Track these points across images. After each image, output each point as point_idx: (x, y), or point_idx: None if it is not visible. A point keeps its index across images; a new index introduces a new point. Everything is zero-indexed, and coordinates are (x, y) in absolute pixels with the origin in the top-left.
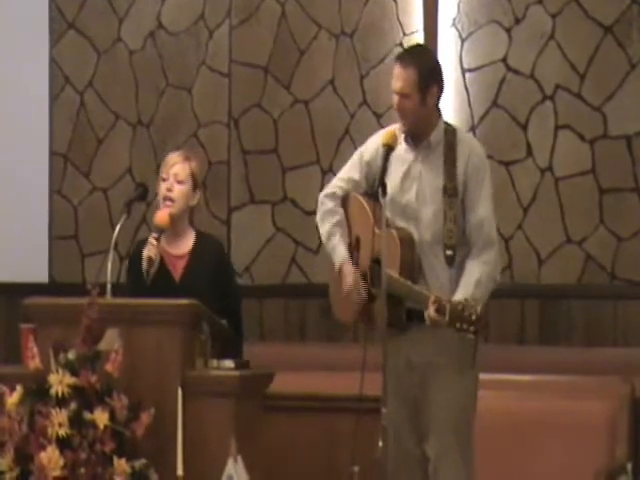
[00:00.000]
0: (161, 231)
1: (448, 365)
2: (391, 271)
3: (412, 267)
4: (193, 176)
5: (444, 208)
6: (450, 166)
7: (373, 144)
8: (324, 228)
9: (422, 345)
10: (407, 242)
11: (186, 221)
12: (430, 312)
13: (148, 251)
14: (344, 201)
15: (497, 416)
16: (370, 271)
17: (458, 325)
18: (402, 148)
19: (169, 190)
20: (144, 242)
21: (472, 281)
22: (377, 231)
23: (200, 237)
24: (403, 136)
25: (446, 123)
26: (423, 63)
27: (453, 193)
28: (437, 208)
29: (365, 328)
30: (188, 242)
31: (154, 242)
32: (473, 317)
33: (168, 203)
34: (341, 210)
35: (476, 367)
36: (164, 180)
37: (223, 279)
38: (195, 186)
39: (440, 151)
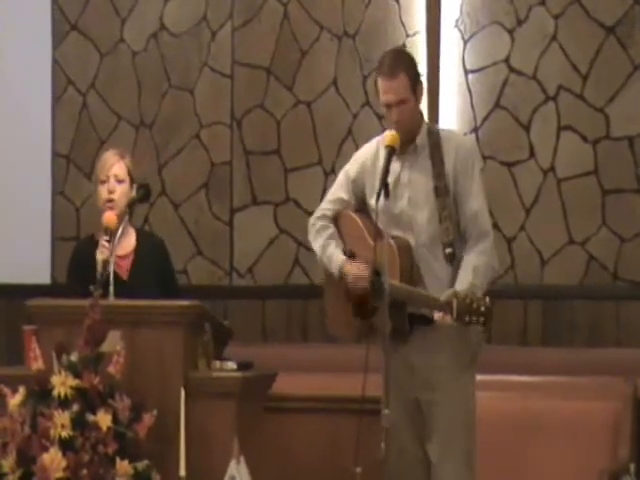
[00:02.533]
0: (111, 232)
1: (450, 366)
2: (392, 280)
3: (411, 274)
4: (130, 173)
5: (437, 209)
6: (438, 166)
7: (357, 161)
8: (317, 243)
9: (423, 347)
10: (404, 250)
11: (127, 219)
12: (438, 313)
13: (101, 254)
14: (335, 221)
15: (500, 417)
16: (369, 284)
17: (467, 318)
18: None
19: (111, 192)
20: (85, 243)
21: (470, 269)
22: (371, 243)
23: (141, 235)
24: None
25: (427, 125)
26: (407, 64)
27: (444, 192)
28: (432, 210)
29: (366, 341)
30: (130, 241)
31: (106, 244)
32: (482, 308)
33: (110, 204)
34: (332, 226)
35: (474, 368)
36: (103, 182)
37: (167, 277)
38: (132, 182)
39: (426, 154)
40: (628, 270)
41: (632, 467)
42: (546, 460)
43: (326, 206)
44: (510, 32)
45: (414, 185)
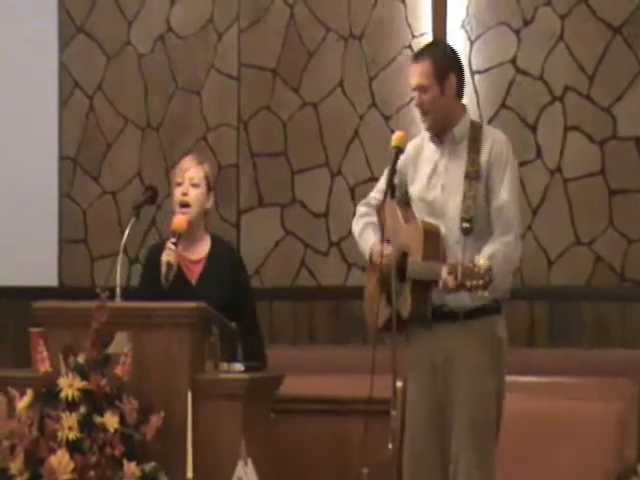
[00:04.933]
0: (179, 236)
1: (473, 365)
2: (415, 259)
3: (436, 256)
4: (207, 179)
5: (464, 189)
6: (473, 154)
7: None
8: (357, 228)
9: (447, 346)
10: (432, 234)
11: (202, 225)
12: (442, 276)
13: (167, 256)
14: (379, 211)
15: (506, 417)
16: (398, 266)
17: (469, 284)
18: (430, 149)
19: (185, 194)
20: (159, 246)
21: (486, 253)
22: (404, 226)
23: (215, 241)
24: (429, 136)
25: (471, 119)
26: (437, 53)
27: (475, 177)
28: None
29: (394, 335)
30: (204, 247)
31: (172, 247)
32: (481, 271)
33: (184, 209)
34: (374, 213)
35: (502, 371)
36: (179, 184)
37: (239, 286)
38: (209, 189)
39: (464, 145)
40: (635, 271)
41: (639, 467)
42: (552, 461)
43: (373, 195)
44: (516, 32)
45: (449, 173)
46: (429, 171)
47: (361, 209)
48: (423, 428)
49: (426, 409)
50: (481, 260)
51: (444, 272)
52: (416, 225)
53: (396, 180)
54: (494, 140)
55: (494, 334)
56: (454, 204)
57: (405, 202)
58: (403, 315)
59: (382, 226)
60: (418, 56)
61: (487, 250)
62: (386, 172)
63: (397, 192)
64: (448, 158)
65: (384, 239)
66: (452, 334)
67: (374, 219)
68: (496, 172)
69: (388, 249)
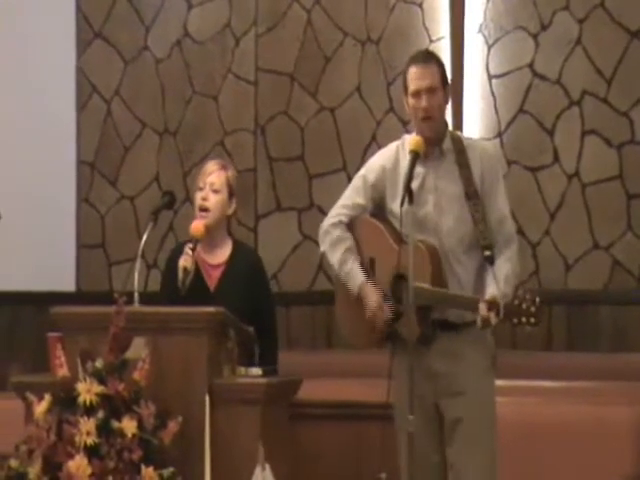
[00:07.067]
0: (196, 241)
1: (473, 371)
2: (422, 283)
3: (442, 277)
4: (229, 185)
5: (471, 212)
6: (466, 171)
7: (375, 165)
8: (335, 256)
9: (446, 354)
10: (434, 253)
11: (223, 230)
12: (482, 312)
13: (184, 261)
14: (350, 227)
15: (524, 422)
16: (392, 288)
17: (516, 320)
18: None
19: (204, 199)
20: (180, 249)
21: (502, 277)
22: (395, 247)
23: (237, 247)
24: (408, 150)
25: (450, 132)
26: (439, 60)
27: (474, 195)
28: (458, 215)
29: (390, 347)
30: (225, 252)
31: (189, 252)
32: (532, 309)
33: (203, 213)
34: (349, 235)
35: (494, 371)
36: (200, 189)
37: (258, 291)
38: (231, 195)
39: (451, 159)
40: None
41: None
42: (570, 465)
43: (341, 211)
44: (534, 37)
45: (440, 190)
46: (416, 187)
47: (333, 232)
48: (419, 433)
49: (421, 415)
50: (530, 295)
51: (483, 308)
52: (417, 246)
53: (374, 194)
54: (482, 152)
55: (487, 336)
56: (448, 221)
57: (382, 218)
58: (410, 339)
59: (359, 244)
60: (424, 59)
61: (500, 275)
62: (352, 187)
63: (373, 208)
64: (435, 174)
65: (365, 257)
66: (452, 342)
67: (351, 243)
68: (489, 185)
69: (375, 298)
